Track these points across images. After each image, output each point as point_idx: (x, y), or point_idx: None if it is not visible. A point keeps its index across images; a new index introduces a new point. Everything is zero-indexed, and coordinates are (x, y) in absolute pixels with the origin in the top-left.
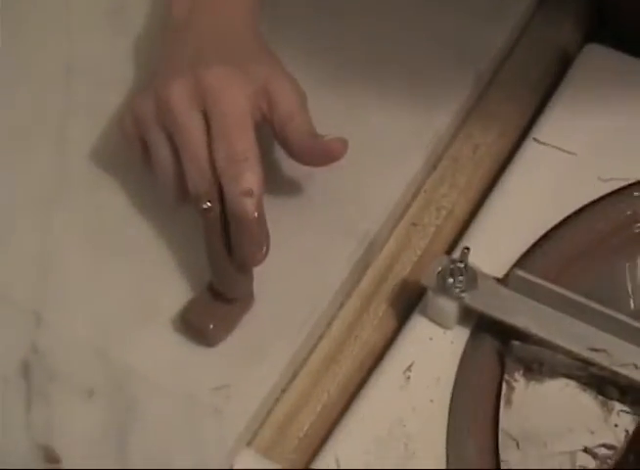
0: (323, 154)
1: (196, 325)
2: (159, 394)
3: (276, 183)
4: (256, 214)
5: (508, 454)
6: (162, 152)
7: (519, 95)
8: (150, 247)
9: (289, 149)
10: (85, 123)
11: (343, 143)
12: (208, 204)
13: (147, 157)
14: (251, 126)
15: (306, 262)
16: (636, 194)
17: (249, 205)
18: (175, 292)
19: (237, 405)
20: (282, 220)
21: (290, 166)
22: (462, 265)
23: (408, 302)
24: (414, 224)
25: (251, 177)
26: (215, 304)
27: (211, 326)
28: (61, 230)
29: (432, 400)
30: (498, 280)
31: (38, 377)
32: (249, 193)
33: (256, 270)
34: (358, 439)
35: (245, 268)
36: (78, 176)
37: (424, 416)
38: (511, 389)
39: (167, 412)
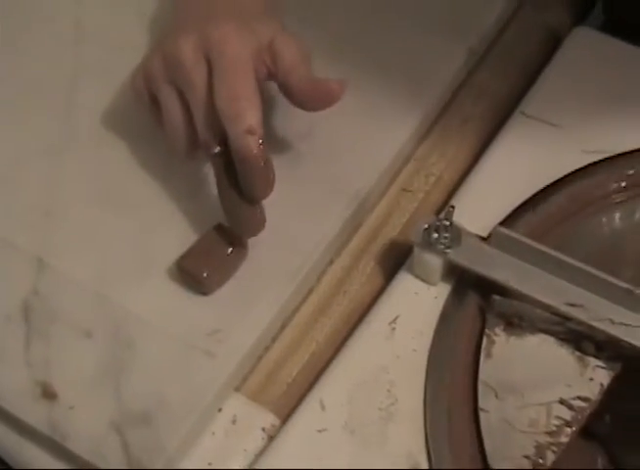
0: (323, 95)
1: (191, 273)
2: (154, 336)
3: (271, 140)
4: (259, 152)
5: (487, 403)
6: (171, 104)
7: (508, 72)
8: (151, 200)
9: (291, 95)
10: (95, 84)
11: (341, 84)
12: (218, 148)
13: (157, 112)
14: (252, 74)
15: (299, 217)
16: (620, 164)
17: (251, 142)
18: (174, 243)
19: (228, 349)
20: (278, 177)
21: (286, 126)
22: (447, 223)
23: (395, 261)
24: (404, 189)
25: (251, 115)
26: (211, 253)
27: (205, 274)
28: (66, 182)
29: (415, 350)
30: (481, 238)
31: (38, 318)
32: (251, 130)
33: None
34: (343, 384)
35: (254, 204)
36: (85, 132)
37: (407, 364)
38: (491, 342)
39: (162, 354)
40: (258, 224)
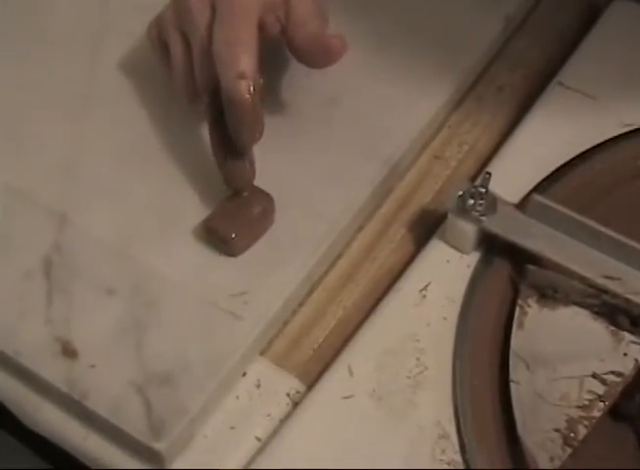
0: (322, 50)
1: (219, 233)
2: (178, 295)
3: (298, 103)
4: (249, 97)
5: (517, 374)
6: (177, 49)
7: (545, 42)
8: (176, 158)
9: (292, 50)
10: (120, 42)
11: (341, 39)
12: (211, 97)
13: (168, 60)
14: (253, 22)
15: (327, 182)
16: None
17: (242, 85)
18: (199, 202)
19: (254, 312)
20: (305, 138)
21: (315, 88)
22: (483, 190)
23: (427, 228)
24: (436, 157)
25: (245, 61)
26: (239, 215)
27: (234, 235)
28: (90, 138)
29: (445, 318)
30: (517, 206)
31: (60, 274)
32: (242, 75)
33: (280, 185)
34: (372, 350)
35: (243, 154)
36: (110, 90)
37: (436, 332)
38: (524, 313)
39: (185, 314)
40: (246, 175)
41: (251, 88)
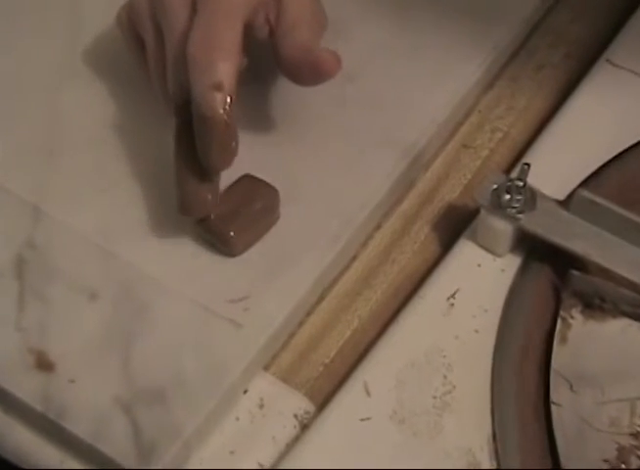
0: (310, 67)
1: (216, 231)
2: (170, 300)
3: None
4: (223, 113)
5: (560, 396)
6: (150, 43)
7: (589, 16)
8: (168, 142)
9: (277, 59)
10: (101, 16)
11: (335, 57)
12: (180, 106)
13: (139, 50)
14: (238, 23)
15: (342, 173)
16: None
17: (216, 98)
18: None
19: (257, 320)
20: (315, 122)
21: None
22: (520, 184)
23: (454, 226)
24: (465, 146)
25: (223, 69)
26: (238, 209)
27: (232, 233)
28: (69, 118)
29: (476, 331)
30: (559, 202)
31: (34, 275)
32: (218, 86)
33: (286, 176)
34: (391, 366)
35: (207, 176)
36: (91, 65)
37: (467, 347)
38: (567, 326)
39: (178, 322)
40: (204, 206)
41: (228, 103)
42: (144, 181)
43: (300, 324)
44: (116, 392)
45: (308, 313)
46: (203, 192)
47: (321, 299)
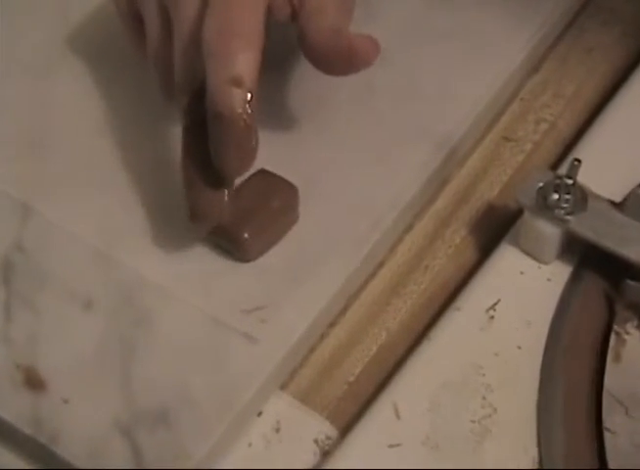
0: (343, 55)
1: (228, 232)
2: (176, 310)
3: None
4: (242, 112)
5: (614, 421)
6: (153, 27)
7: None
8: (172, 135)
9: (304, 46)
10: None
11: (372, 43)
12: (190, 99)
13: (139, 33)
14: (260, 8)
15: (369, 169)
16: None
17: (235, 96)
18: None
19: (273, 333)
20: (338, 111)
21: None
22: (569, 182)
23: (494, 229)
24: (506, 138)
25: (243, 61)
26: (253, 209)
27: (246, 235)
28: (58, 106)
29: (519, 347)
30: (613, 203)
31: (22, 281)
32: (237, 81)
33: (306, 172)
34: (424, 386)
35: (221, 182)
36: (82, 48)
37: (508, 365)
38: (621, 342)
39: (185, 334)
40: (217, 214)
41: (248, 100)
42: (146, 177)
43: (322, 338)
44: (115, 413)
45: (331, 325)
46: (216, 200)
47: (345, 309)
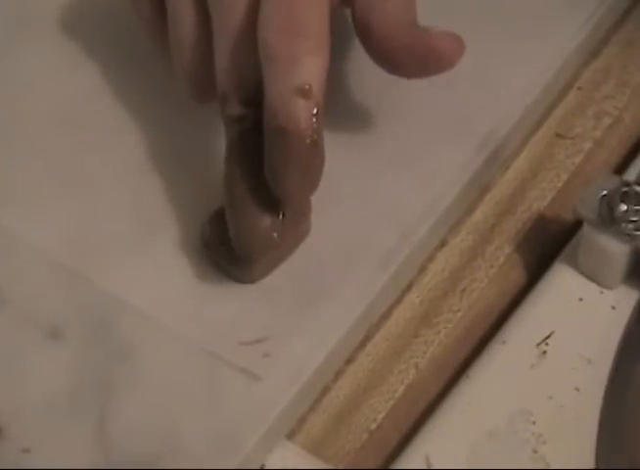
0: (424, 54)
1: (225, 247)
2: (160, 341)
3: (362, 51)
4: (308, 126)
5: None
6: (185, 17)
7: None
8: (158, 127)
9: (371, 44)
10: None
11: (457, 42)
12: (241, 109)
13: (159, 25)
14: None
15: (396, 172)
16: None
17: (301, 109)
18: (194, 198)
19: (278, 369)
20: (365, 107)
21: None
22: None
23: (546, 247)
24: (560, 135)
25: (311, 67)
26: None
27: (248, 252)
28: (22, 89)
29: (577, 389)
30: None
31: None
32: (304, 90)
33: (324, 175)
34: (461, 435)
35: (277, 206)
36: (54, 14)
37: (564, 410)
38: None
39: (172, 371)
40: (270, 243)
41: (315, 113)
42: (127, 180)
43: (338, 376)
44: (88, 464)
45: (349, 361)
46: (269, 227)
47: (366, 341)
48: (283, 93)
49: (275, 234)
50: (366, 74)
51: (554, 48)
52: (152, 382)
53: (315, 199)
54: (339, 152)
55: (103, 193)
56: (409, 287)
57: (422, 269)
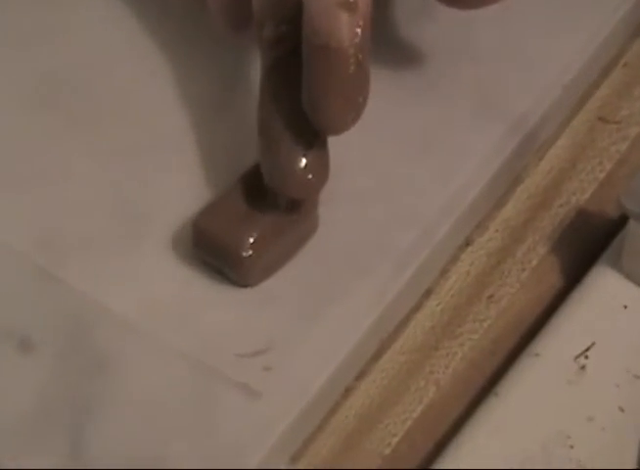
0: None
1: (221, 246)
2: (146, 352)
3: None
4: (353, 43)
5: None
6: None
7: None
8: (143, 110)
9: None
10: None
11: None
12: (277, 31)
13: None
14: None
15: (415, 158)
16: None
17: (344, 22)
18: (185, 189)
19: (281, 385)
20: (379, 82)
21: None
22: None
23: (585, 246)
24: (603, 119)
25: None
26: (252, 217)
27: (250, 252)
28: None
29: (622, 409)
30: None
31: None
32: (348, 3)
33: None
34: (492, 458)
35: (317, 139)
36: None
37: (607, 433)
38: None
39: (160, 384)
40: (312, 181)
41: (360, 29)
42: (108, 169)
43: (348, 393)
44: None
45: (360, 377)
46: (310, 162)
47: (379, 354)
48: (325, 6)
49: (310, 175)
50: (375, 44)
51: (597, 18)
52: (135, 399)
53: (322, 192)
54: (348, 137)
55: (79, 184)
56: (428, 293)
57: (443, 273)
